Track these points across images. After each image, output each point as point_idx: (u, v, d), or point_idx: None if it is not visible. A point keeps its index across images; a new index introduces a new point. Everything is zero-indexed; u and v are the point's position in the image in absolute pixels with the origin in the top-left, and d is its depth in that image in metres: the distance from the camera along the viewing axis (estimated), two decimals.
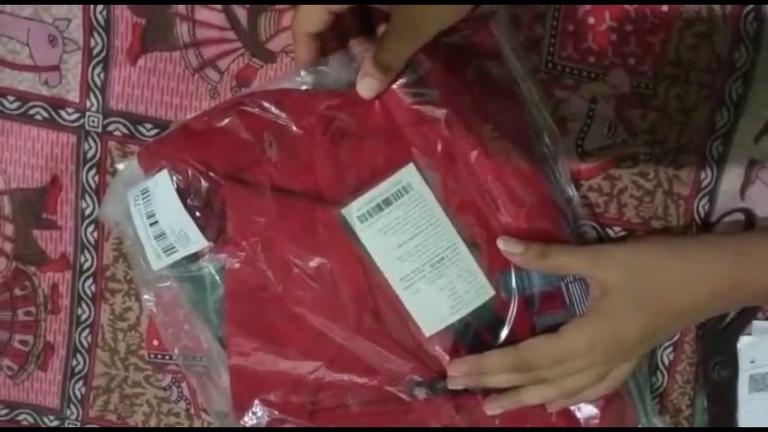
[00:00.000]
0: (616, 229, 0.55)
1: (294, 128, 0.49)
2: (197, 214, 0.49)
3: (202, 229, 0.49)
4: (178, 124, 0.52)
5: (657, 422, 0.56)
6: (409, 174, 0.48)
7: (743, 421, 0.56)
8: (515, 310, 0.50)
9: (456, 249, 0.49)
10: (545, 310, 0.50)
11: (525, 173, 0.49)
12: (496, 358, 0.50)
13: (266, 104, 0.49)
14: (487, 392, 0.51)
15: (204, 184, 0.49)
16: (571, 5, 0.52)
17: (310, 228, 0.49)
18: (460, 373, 0.50)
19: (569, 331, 0.49)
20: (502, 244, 0.48)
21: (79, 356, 0.60)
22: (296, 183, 0.49)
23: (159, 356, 0.60)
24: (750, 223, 0.54)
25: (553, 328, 0.50)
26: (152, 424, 0.61)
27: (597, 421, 0.53)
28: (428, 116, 0.48)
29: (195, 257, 0.50)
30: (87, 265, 0.59)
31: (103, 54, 0.55)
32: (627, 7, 0.51)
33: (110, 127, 0.56)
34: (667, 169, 0.54)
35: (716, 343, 0.56)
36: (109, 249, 0.58)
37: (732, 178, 0.54)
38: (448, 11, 0.44)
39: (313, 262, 0.49)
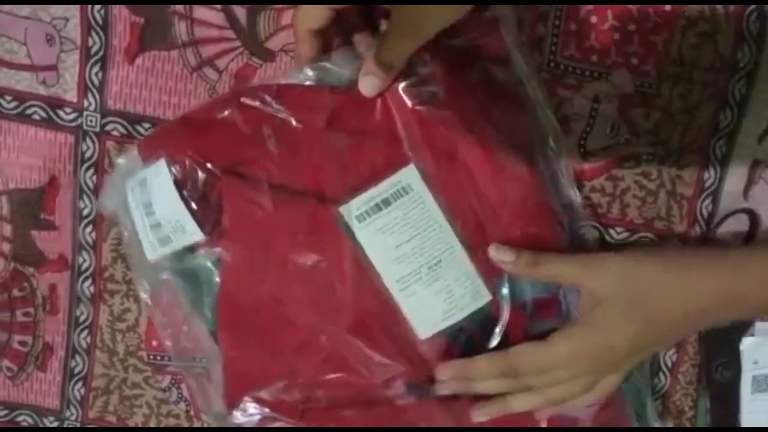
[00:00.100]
0: (619, 229, 0.55)
1: (294, 123, 0.48)
2: (194, 205, 0.48)
3: (198, 221, 0.48)
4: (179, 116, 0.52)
5: (657, 425, 0.56)
6: (409, 175, 0.48)
7: (746, 422, 0.56)
8: (509, 315, 0.49)
9: (454, 252, 0.48)
10: (541, 317, 0.50)
11: (524, 179, 0.49)
12: (484, 363, 0.49)
13: (267, 98, 0.48)
14: (478, 398, 0.51)
15: (201, 175, 0.48)
16: (574, 5, 0.51)
17: (307, 225, 0.48)
18: (447, 377, 0.50)
19: (557, 340, 0.49)
20: (494, 252, 0.48)
21: (78, 357, 0.60)
22: (295, 179, 0.48)
23: (158, 357, 0.59)
24: (753, 223, 0.54)
25: (544, 336, 0.49)
26: (152, 425, 0.61)
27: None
28: (430, 118, 0.48)
29: (190, 250, 0.50)
30: (85, 265, 0.58)
31: (101, 53, 0.55)
32: (630, 6, 0.51)
33: (108, 127, 0.56)
34: (670, 169, 0.53)
35: (719, 344, 0.56)
36: (108, 250, 0.58)
37: (735, 178, 0.53)
38: (447, 10, 0.43)
39: (309, 260, 0.48)
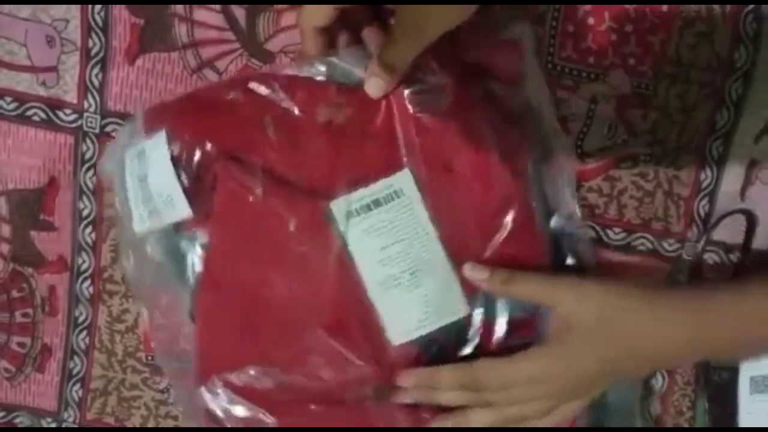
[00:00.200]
0: (616, 230, 0.55)
1: (297, 114, 0.48)
2: (186, 183, 0.48)
3: (189, 199, 0.48)
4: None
5: None
6: (403, 179, 0.48)
7: (744, 423, 0.56)
8: (484, 332, 0.50)
9: (437, 262, 0.48)
10: (517, 337, 0.50)
11: (516, 200, 0.49)
12: (447, 373, 0.49)
13: (275, 86, 0.48)
14: (442, 409, 0.51)
15: (198, 155, 0.48)
16: (571, 6, 0.52)
17: (296, 216, 0.48)
18: (409, 385, 0.50)
19: (521, 359, 0.49)
20: (468, 271, 0.48)
21: (76, 358, 0.60)
22: (290, 169, 0.48)
23: None
24: (750, 223, 0.54)
25: (512, 353, 0.49)
26: (150, 426, 0.61)
27: None
28: (431, 127, 0.48)
29: (177, 229, 0.50)
30: (84, 266, 0.58)
31: (101, 55, 0.55)
32: (626, 7, 0.51)
33: (108, 128, 0.56)
34: (667, 169, 0.54)
35: None
36: (107, 250, 0.58)
37: (732, 178, 0.54)
38: (450, 12, 0.43)
39: (295, 251, 0.48)
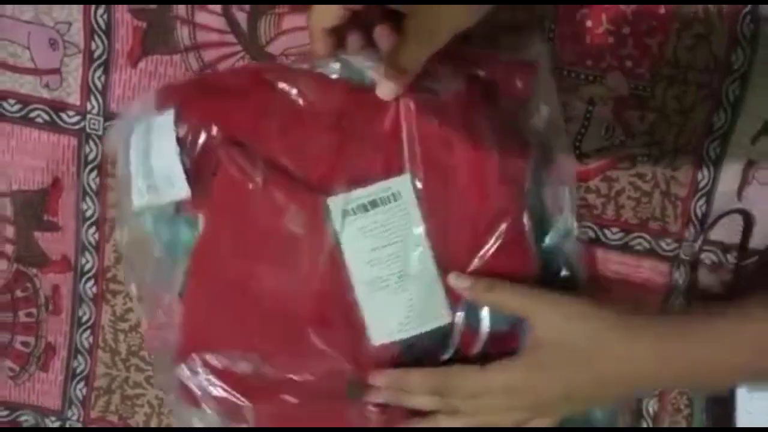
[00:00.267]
0: (614, 230, 0.55)
1: (306, 109, 0.48)
2: (188, 164, 0.49)
3: (189, 180, 0.49)
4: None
5: None
6: (402, 184, 0.48)
7: (742, 422, 0.57)
8: (466, 341, 0.50)
9: (425, 268, 0.49)
10: (496, 349, 0.50)
11: (511, 217, 0.49)
12: (417, 376, 0.50)
13: (288, 79, 0.49)
14: (415, 412, 0.51)
15: (203, 137, 0.48)
16: (569, 8, 0.52)
17: (293, 208, 0.49)
18: (381, 384, 0.50)
19: (493, 369, 0.49)
20: (452, 280, 0.49)
21: (80, 357, 0.61)
22: (292, 162, 0.49)
23: None
24: (747, 223, 0.54)
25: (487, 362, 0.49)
26: (153, 424, 0.61)
27: None
28: (437, 137, 0.48)
29: (176, 209, 0.50)
30: (88, 266, 0.59)
31: (103, 57, 0.55)
32: (624, 9, 0.52)
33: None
34: (665, 170, 0.54)
35: None
36: (110, 250, 0.59)
37: (729, 178, 0.54)
38: (461, 13, 0.44)
39: (287, 242, 0.49)
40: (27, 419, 0.62)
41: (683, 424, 0.58)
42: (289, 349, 0.50)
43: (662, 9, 0.52)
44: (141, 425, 0.61)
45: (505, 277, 0.49)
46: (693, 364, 0.47)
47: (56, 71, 0.56)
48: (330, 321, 0.50)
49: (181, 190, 0.49)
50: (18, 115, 0.57)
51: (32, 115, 0.57)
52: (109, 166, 0.57)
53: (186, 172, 0.48)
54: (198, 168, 0.49)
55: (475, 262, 0.49)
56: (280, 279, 0.49)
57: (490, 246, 0.49)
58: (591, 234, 0.55)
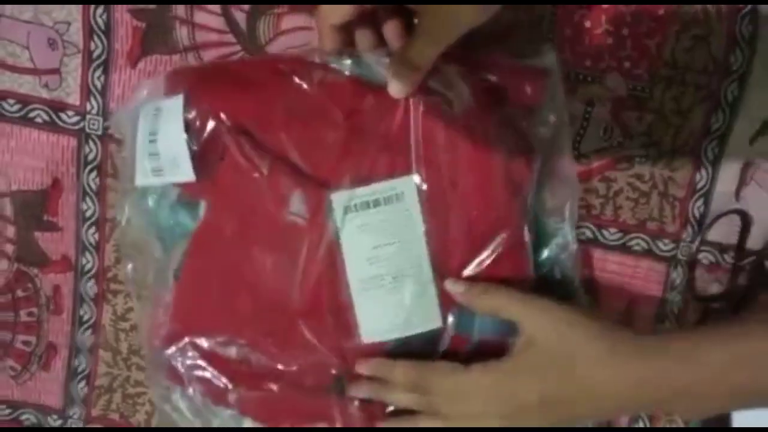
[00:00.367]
0: (612, 230, 0.56)
1: (317, 103, 0.49)
2: (195, 149, 0.49)
3: (195, 165, 0.49)
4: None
5: None
6: (406, 184, 0.49)
7: (738, 422, 0.57)
8: (453, 344, 0.50)
9: (421, 271, 0.49)
10: (485, 355, 0.50)
11: (513, 224, 0.50)
12: (401, 368, 0.50)
13: (300, 72, 0.49)
14: (396, 413, 0.52)
15: (212, 123, 0.48)
16: (568, 8, 0.52)
17: (296, 200, 0.49)
18: (366, 372, 0.50)
19: (477, 369, 0.49)
20: (449, 285, 0.49)
21: (81, 356, 0.61)
22: (299, 154, 0.49)
23: None
24: (745, 224, 0.55)
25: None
26: (154, 423, 0.61)
27: None
28: (444, 141, 0.48)
29: (180, 196, 0.51)
30: (88, 266, 0.59)
31: (103, 57, 0.55)
32: (623, 10, 0.52)
33: (111, 130, 0.56)
34: (663, 171, 0.54)
35: None
36: (110, 250, 0.59)
37: (727, 179, 0.54)
38: (472, 11, 0.44)
39: (287, 234, 0.49)
40: (29, 418, 0.63)
41: (680, 424, 0.58)
42: (277, 339, 0.51)
43: (661, 10, 0.52)
44: (142, 424, 0.62)
45: (501, 284, 0.49)
46: (675, 385, 0.45)
47: (55, 71, 0.56)
48: (321, 314, 0.50)
49: (186, 174, 0.49)
50: (17, 115, 0.57)
51: (32, 115, 0.57)
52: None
53: (192, 156, 0.49)
54: (204, 153, 0.49)
55: (472, 268, 0.50)
56: (277, 268, 0.50)
57: (489, 252, 0.49)
58: (589, 234, 0.55)
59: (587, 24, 0.52)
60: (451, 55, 0.46)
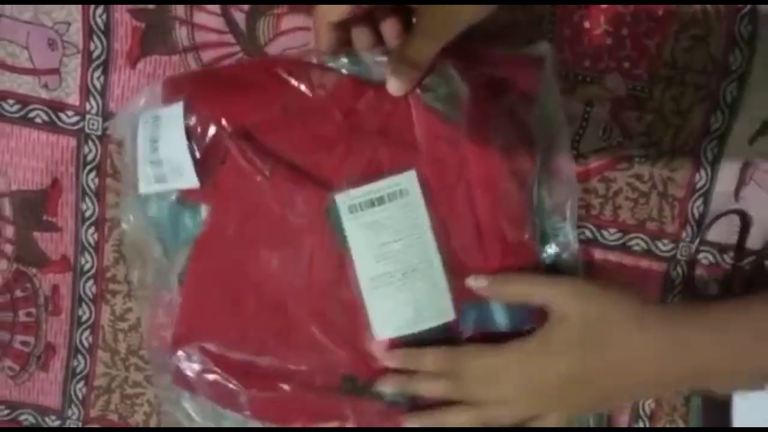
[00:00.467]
0: (612, 230, 0.56)
1: (317, 103, 0.49)
2: (197, 155, 0.49)
3: (198, 170, 0.49)
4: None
5: None
6: (409, 180, 0.49)
7: (738, 421, 0.57)
8: (470, 339, 0.50)
9: (431, 266, 0.49)
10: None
11: (518, 216, 0.50)
12: (431, 355, 0.50)
13: (297, 73, 0.49)
14: (412, 408, 0.51)
15: (213, 129, 0.49)
16: (567, 8, 0.52)
17: (299, 202, 0.49)
18: (395, 364, 0.50)
19: (507, 347, 0.49)
20: (471, 281, 0.49)
21: (80, 357, 0.61)
22: (301, 156, 0.49)
23: None
24: (744, 224, 0.55)
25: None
26: (153, 423, 0.61)
27: None
28: (447, 135, 0.48)
29: (183, 200, 0.51)
30: (87, 266, 0.59)
31: (102, 57, 0.55)
32: (622, 10, 0.52)
33: (110, 130, 0.56)
34: (662, 171, 0.54)
35: None
36: (110, 251, 0.59)
37: (726, 179, 0.54)
38: (468, 10, 0.44)
39: (292, 236, 0.49)
40: (27, 418, 0.63)
41: (680, 424, 0.58)
42: (286, 339, 0.50)
43: (660, 10, 0.52)
44: (140, 424, 0.62)
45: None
46: (705, 357, 0.46)
47: (55, 71, 0.56)
48: (331, 314, 0.50)
49: (189, 180, 0.49)
50: (17, 115, 0.57)
51: (31, 115, 0.57)
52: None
53: (194, 162, 0.49)
54: (205, 158, 0.49)
55: (482, 263, 0.49)
56: (283, 272, 0.50)
57: (498, 246, 0.49)
58: (589, 234, 0.55)
59: (586, 24, 0.52)
60: (447, 50, 0.46)
